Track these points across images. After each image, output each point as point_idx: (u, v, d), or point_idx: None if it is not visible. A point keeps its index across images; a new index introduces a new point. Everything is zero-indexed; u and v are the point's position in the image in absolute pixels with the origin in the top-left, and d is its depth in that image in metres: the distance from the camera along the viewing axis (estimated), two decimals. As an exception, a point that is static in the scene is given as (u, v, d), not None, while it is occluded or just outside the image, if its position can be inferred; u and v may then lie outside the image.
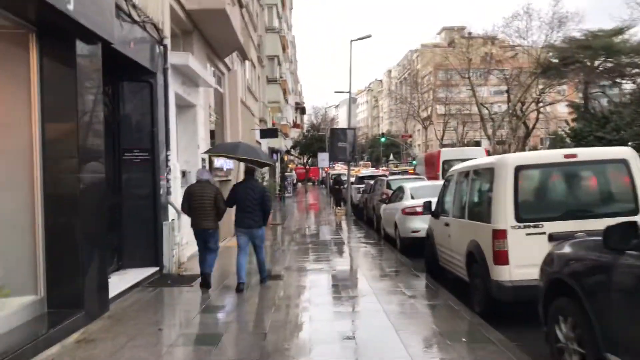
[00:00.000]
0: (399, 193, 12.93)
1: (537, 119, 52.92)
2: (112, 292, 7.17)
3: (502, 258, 5.88)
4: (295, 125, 61.93)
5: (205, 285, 8.02)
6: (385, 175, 17.88)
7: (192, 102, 11.99)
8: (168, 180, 9.29)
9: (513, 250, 5.85)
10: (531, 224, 5.86)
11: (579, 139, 44.65)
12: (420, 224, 11.04)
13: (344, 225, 18.97)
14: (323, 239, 14.75)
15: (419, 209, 10.96)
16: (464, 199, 7.20)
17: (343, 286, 8.19)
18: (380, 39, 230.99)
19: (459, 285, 7.79)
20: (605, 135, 42.79)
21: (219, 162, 14.28)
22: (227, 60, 16.90)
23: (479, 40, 52.16)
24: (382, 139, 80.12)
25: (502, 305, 6.10)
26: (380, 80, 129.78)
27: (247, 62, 22.38)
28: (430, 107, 69.82)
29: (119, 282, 7.84)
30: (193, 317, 6.52)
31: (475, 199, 6.94)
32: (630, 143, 41.77)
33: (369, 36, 23.13)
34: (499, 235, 5.89)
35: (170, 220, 9.40)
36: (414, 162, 77.13)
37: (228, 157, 10.66)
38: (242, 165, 17.82)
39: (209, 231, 8.09)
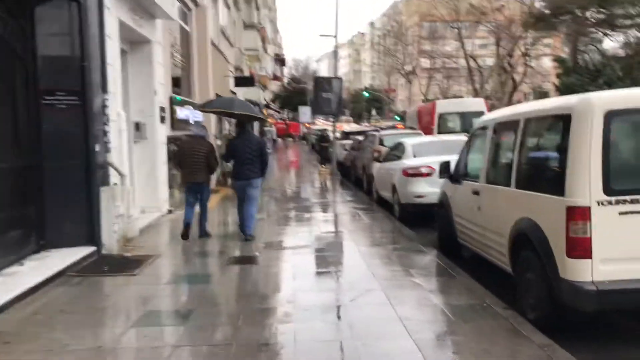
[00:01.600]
0: (397, 151, 10.91)
1: (524, 73, 50.97)
2: (16, 287, 5.12)
3: (581, 248, 3.94)
4: (275, 78, 58.99)
5: (185, 236, 8.15)
6: (377, 130, 15.83)
7: (146, 37, 9.66)
8: (106, 133, 7.08)
9: (599, 237, 3.91)
10: (628, 197, 3.91)
11: (570, 93, 42.92)
12: (426, 188, 9.11)
13: (329, 185, 17.00)
14: (307, 203, 12.78)
15: (425, 170, 9.04)
16: (509, 160, 5.18)
17: (336, 274, 6.24)
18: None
19: (479, 265, 5.94)
20: (597, 90, 41.21)
21: (182, 112, 12.04)
22: (194, -6, 14.40)
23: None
24: (366, 94, 77.76)
25: (568, 311, 4.21)
26: (363, 34, 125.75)
27: (220, 1, 19.78)
28: (415, 60, 67.20)
29: (33, 270, 5.78)
30: (121, 334, 4.48)
31: (532, 161, 4.94)
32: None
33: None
34: (578, 214, 3.94)
35: (111, 184, 7.26)
36: (397, 118, 75.42)
37: (224, 113, 10.59)
38: (212, 118, 15.60)
39: (203, 184, 8.25)
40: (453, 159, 6.92)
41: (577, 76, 44.30)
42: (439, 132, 17.49)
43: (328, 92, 19.65)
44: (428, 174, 9.13)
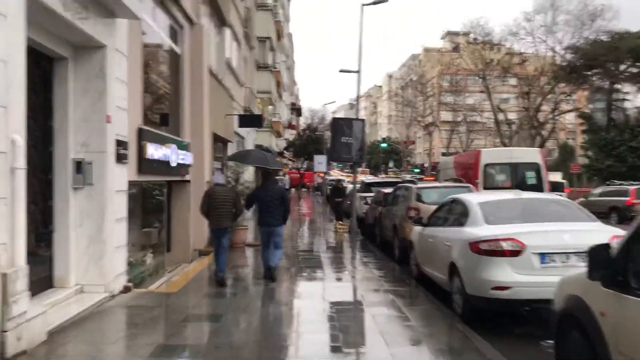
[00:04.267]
0: (454, 211, 7.62)
1: (553, 129, 47.99)
2: None
3: None
4: (290, 126, 56.67)
5: (221, 283, 8.33)
6: (412, 182, 12.63)
7: (97, 40, 6.69)
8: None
9: None
10: None
11: (610, 149, 39.70)
12: (511, 275, 5.78)
13: (347, 249, 13.65)
14: (320, 275, 9.47)
15: (510, 246, 5.73)
16: None
17: None
18: (379, 46, 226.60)
19: None
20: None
21: (158, 151, 8.95)
22: (189, 10, 11.62)
23: (485, 45, 46.95)
24: (383, 145, 75.13)
25: None
26: (380, 86, 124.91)
27: (227, 30, 17.13)
28: (435, 112, 64.71)
29: None
30: None
31: None
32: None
33: (385, 0, 17.92)
34: None
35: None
36: (416, 170, 72.41)
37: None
38: (207, 164, 12.55)
39: (228, 229, 8.72)
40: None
41: (617, 132, 41.20)
42: (485, 187, 14.23)
43: (348, 137, 16.62)
44: (515, 253, 5.81)
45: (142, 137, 8.33)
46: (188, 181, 11.62)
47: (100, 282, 6.85)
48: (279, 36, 36.21)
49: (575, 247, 5.76)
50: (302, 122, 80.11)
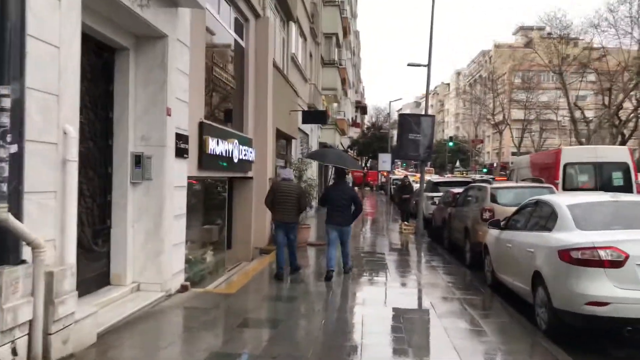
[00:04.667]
0: (537, 214, 6.85)
1: (635, 127, 44.75)
2: None
3: None
4: (355, 124, 56.07)
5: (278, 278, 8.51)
6: (487, 181, 11.79)
7: (158, 30, 6.45)
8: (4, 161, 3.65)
9: None
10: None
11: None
12: (608, 289, 5.01)
13: (413, 251, 12.98)
14: (385, 279, 8.92)
15: (609, 255, 4.96)
16: None
17: None
18: (447, 43, 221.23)
19: None
20: None
21: (220, 147, 8.68)
22: (255, 3, 11.35)
23: (561, 39, 44.31)
24: (450, 144, 73.14)
25: None
26: (448, 84, 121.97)
27: (293, 25, 16.83)
28: (505, 109, 62.11)
29: None
30: None
31: None
32: None
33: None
34: None
35: (20, 262, 3.81)
36: (484, 170, 69.90)
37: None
38: (269, 161, 12.24)
39: (292, 224, 8.79)
40: None
41: None
42: (565, 189, 13.14)
43: (416, 133, 15.90)
44: (616, 264, 5.03)
45: (204, 131, 8.08)
46: (250, 178, 11.37)
47: (157, 280, 6.62)
48: (346, 33, 35.70)
49: (685, 259, 4.93)
50: (367, 120, 79.34)
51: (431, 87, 17.65)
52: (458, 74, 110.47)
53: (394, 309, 6.82)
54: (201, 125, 8.04)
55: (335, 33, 28.17)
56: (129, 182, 6.53)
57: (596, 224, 5.64)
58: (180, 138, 7.11)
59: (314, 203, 19.25)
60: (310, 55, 22.37)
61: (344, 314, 6.67)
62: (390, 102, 78.96)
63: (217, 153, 8.56)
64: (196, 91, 7.94)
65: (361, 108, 69.11)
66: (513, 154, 70.48)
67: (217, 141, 8.53)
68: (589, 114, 47.70)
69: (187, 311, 6.29)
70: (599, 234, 5.35)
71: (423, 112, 20.54)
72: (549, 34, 47.74)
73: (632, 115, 41.87)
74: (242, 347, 5.01)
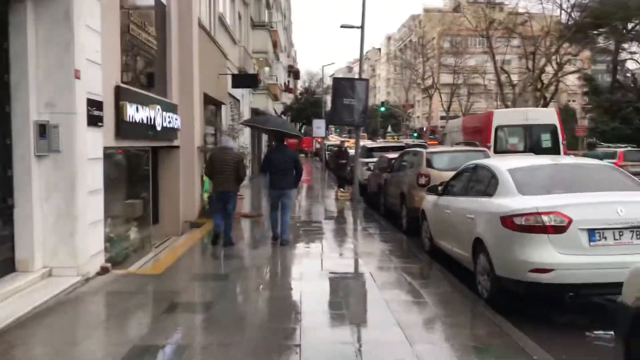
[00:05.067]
0: (477, 179, 6.67)
1: (556, 90, 46.70)
2: None
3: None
4: (288, 89, 55.08)
5: (215, 241, 8.63)
6: (422, 145, 11.64)
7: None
8: None
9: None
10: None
11: (615, 110, 38.55)
12: (551, 255, 4.89)
13: (350, 219, 12.78)
14: (324, 249, 8.62)
15: (552, 220, 4.83)
16: None
17: None
18: (377, 6, 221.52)
19: None
20: (648, 107, 36.68)
21: (140, 113, 7.92)
22: (175, -44, 10.39)
23: (488, 4, 45.19)
24: (382, 109, 73.73)
25: None
26: (379, 49, 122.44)
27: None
28: (435, 74, 63.10)
29: None
30: None
31: None
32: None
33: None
34: None
35: None
36: (415, 134, 71.30)
37: (258, 129, 13.13)
38: (197, 128, 11.52)
39: (230, 193, 8.66)
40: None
41: (624, 93, 40.07)
42: (496, 152, 13.27)
43: (350, 98, 15.53)
44: (559, 229, 4.89)
45: (121, 96, 7.30)
46: (177, 147, 10.64)
47: (72, 264, 5.95)
48: (275, -7, 34.54)
49: (629, 222, 4.86)
50: (300, 85, 78.39)
51: (363, 52, 17.24)
52: (389, 38, 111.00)
53: (333, 282, 6.51)
54: (118, 89, 7.25)
55: (264, -6, 27.12)
56: (33, 155, 5.75)
57: (538, 189, 5.49)
58: (93, 104, 6.35)
59: (248, 172, 18.66)
60: (239, 17, 21.35)
61: (280, 291, 6.28)
62: (323, 66, 78.34)
63: (137, 120, 7.80)
64: (111, 52, 7.12)
65: (294, 73, 68.00)
66: (442, 118, 72.13)
67: (137, 107, 7.77)
68: (514, 78, 49.23)
69: (107, 297, 5.70)
70: (541, 199, 5.19)
71: (356, 77, 20.20)
72: (475, -1, 48.59)
73: (553, 79, 43.59)
74: (168, 337, 4.51)
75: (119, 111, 7.26)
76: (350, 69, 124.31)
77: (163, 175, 10.64)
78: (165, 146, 10.15)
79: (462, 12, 48.91)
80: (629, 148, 23.12)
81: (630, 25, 43.74)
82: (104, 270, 6.52)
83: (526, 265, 4.98)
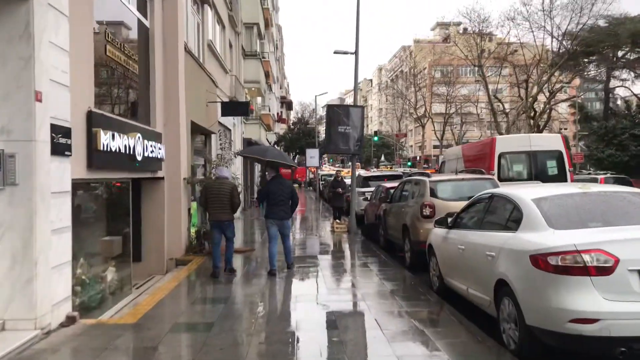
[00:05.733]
0: (493, 210, 5.91)
1: (548, 117, 46.60)
2: None
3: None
4: (281, 120, 54.72)
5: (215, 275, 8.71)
6: (426, 174, 10.93)
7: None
8: None
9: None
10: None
11: (610, 137, 38.18)
12: (596, 302, 4.11)
13: (348, 253, 11.96)
14: (321, 290, 7.77)
15: (594, 260, 4.05)
16: None
17: None
18: (368, 39, 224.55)
19: None
20: (645, 133, 36.32)
21: (117, 142, 7.16)
22: (160, -23, 9.81)
23: (478, 33, 45.44)
24: (375, 138, 73.48)
25: None
26: (370, 80, 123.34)
27: (208, 9, 15.31)
28: (427, 103, 63.11)
29: None
30: None
31: None
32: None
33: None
34: None
35: None
36: (409, 164, 70.90)
37: (256, 160, 12.52)
38: (184, 158, 10.76)
39: (227, 222, 8.91)
40: None
41: (619, 119, 39.87)
42: (500, 180, 12.55)
43: (345, 125, 14.92)
44: (604, 270, 4.11)
45: (93, 122, 6.54)
46: (161, 178, 9.85)
47: (29, 315, 5.09)
48: (267, 24, 34.30)
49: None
50: (293, 116, 78.17)
51: (357, 78, 16.66)
52: (380, 69, 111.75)
53: (332, 335, 5.66)
54: (90, 115, 6.50)
55: (256, 23, 26.76)
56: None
57: (571, 222, 4.72)
58: (59, 131, 5.58)
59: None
60: (230, 45, 20.86)
61: (272, 345, 5.42)
62: (315, 96, 78.31)
63: (114, 149, 7.03)
64: (83, 74, 6.40)
65: (287, 104, 67.85)
66: (435, 147, 71.96)
67: (113, 135, 7.01)
68: (507, 107, 49.15)
69: (67, 356, 4.81)
70: (578, 234, 4.43)
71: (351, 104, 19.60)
72: (465, 29, 48.83)
73: (546, 106, 43.47)
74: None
75: (91, 139, 6.49)
76: (342, 100, 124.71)
77: (146, 209, 9.82)
78: (149, 177, 9.36)
79: (454, 41, 48.97)
80: (608, 174, 22.69)
81: (620, 53, 44.02)
82: (69, 321, 5.66)
83: (565, 314, 4.18)
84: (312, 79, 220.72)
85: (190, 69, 11.58)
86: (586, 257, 4.14)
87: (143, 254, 9.66)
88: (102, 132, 6.64)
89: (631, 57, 43.87)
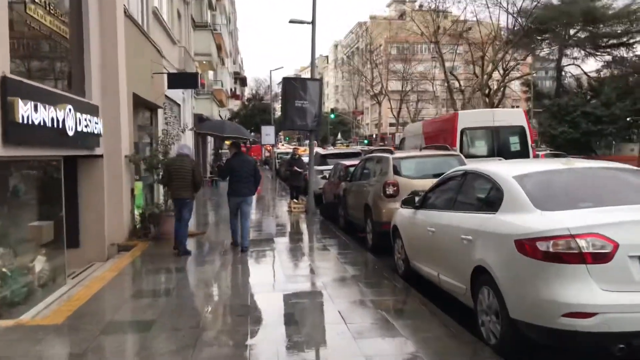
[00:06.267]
0: (469, 189, 5.36)
1: (502, 95, 47.09)
2: None
3: None
4: (234, 96, 53.20)
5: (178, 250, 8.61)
6: (389, 151, 10.32)
7: None
8: None
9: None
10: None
11: (563, 114, 38.79)
12: (593, 293, 3.60)
13: (306, 233, 11.35)
14: (278, 275, 7.12)
15: (590, 245, 3.51)
16: None
17: None
18: (324, 14, 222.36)
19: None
20: (593, 111, 37.08)
21: (40, 114, 6.20)
22: None
23: (434, 11, 45.14)
24: (332, 116, 72.76)
25: None
26: (326, 56, 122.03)
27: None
28: (384, 80, 62.78)
29: None
30: None
31: None
32: (628, 119, 36.38)
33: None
34: None
35: None
36: (366, 142, 70.75)
37: (215, 136, 12.96)
38: (123, 135, 9.78)
39: (186, 200, 8.77)
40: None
41: (571, 97, 40.61)
42: (463, 153, 12.14)
43: (303, 100, 14.12)
44: (601, 257, 3.60)
45: (9, 90, 5.58)
46: (100, 156, 8.89)
47: None
48: (218, -6, 32.82)
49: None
50: (247, 93, 76.41)
51: (308, 60, 15.87)
52: (336, 45, 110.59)
53: (291, 333, 5.02)
54: (4, 81, 5.53)
55: (206, -8, 25.44)
56: None
57: (559, 202, 4.19)
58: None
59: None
60: (179, 15, 19.63)
61: (222, 348, 4.73)
62: (270, 71, 76.76)
63: (37, 123, 6.09)
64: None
65: (241, 80, 66.14)
66: (391, 124, 71.96)
67: (36, 106, 6.06)
68: (462, 84, 49.32)
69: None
70: (570, 216, 3.90)
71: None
72: (421, 6, 48.45)
73: (500, 84, 43.82)
74: None
75: (7, 110, 5.54)
76: (298, 77, 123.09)
77: (83, 190, 8.86)
78: (85, 155, 8.41)
79: (411, 17, 48.49)
80: (548, 151, 22.97)
81: (572, 31, 44.72)
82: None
83: (557, 307, 3.66)
84: (268, 56, 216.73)
85: (133, 37, 10.54)
86: (581, 243, 3.62)
87: (81, 240, 8.75)
88: (20, 102, 5.69)
89: (582, 36, 44.69)
